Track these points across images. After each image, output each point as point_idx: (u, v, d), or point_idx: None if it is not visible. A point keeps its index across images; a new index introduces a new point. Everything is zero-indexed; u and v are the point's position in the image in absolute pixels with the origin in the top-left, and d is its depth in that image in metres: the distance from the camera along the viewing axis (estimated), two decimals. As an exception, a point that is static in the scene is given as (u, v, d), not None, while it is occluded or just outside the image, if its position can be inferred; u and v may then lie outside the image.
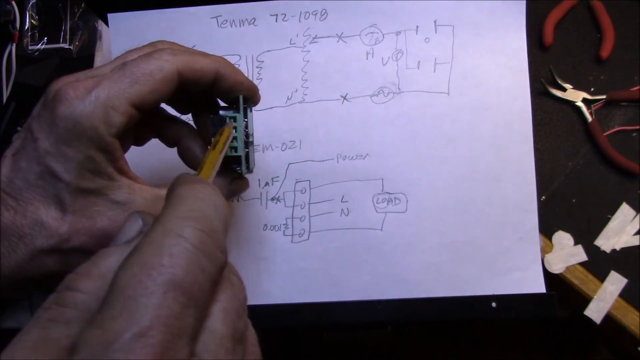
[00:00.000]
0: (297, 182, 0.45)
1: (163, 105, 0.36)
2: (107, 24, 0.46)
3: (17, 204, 0.28)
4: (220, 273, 0.19)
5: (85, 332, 0.16)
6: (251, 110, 0.34)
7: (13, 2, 0.55)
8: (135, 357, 0.15)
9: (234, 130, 0.31)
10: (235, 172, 0.34)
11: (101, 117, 0.27)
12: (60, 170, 0.28)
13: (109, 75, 0.28)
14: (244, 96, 0.33)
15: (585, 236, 0.47)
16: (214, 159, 0.27)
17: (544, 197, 0.48)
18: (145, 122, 0.33)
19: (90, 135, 0.27)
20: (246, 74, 0.45)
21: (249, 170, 0.34)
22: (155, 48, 0.30)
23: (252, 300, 0.44)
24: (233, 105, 0.33)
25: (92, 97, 0.27)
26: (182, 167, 0.36)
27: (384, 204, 0.44)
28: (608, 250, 0.47)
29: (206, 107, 0.35)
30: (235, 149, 0.32)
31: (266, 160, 0.45)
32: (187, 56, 0.30)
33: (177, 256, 0.17)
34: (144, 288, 0.16)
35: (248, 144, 0.33)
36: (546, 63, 0.50)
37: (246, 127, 0.33)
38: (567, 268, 0.46)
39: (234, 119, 0.32)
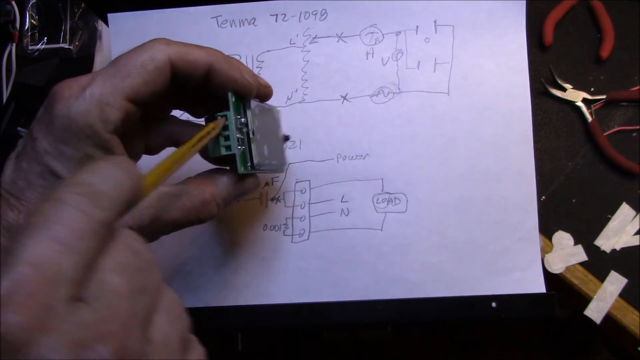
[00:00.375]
0: (297, 182, 0.45)
1: (177, 112, 0.35)
2: (107, 24, 0.46)
3: (20, 204, 0.28)
4: (107, 229, 0.20)
5: None
6: (249, 107, 0.33)
7: (13, 2, 0.55)
8: (10, 302, 0.16)
9: (227, 128, 0.31)
10: (248, 170, 0.33)
11: (97, 114, 0.27)
12: (59, 169, 0.28)
13: (103, 72, 0.28)
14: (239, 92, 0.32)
15: (585, 236, 0.47)
16: (178, 155, 0.26)
17: (544, 197, 0.48)
18: (159, 130, 0.33)
19: (87, 133, 0.27)
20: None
21: (251, 168, 0.33)
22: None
23: (253, 301, 0.44)
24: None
25: (86, 95, 0.27)
26: (189, 166, 0.36)
27: (384, 204, 0.44)
28: (608, 250, 0.47)
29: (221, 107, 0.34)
30: (229, 147, 0.31)
31: (266, 160, 0.45)
32: (181, 47, 0.30)
33: (50, 214, 0.18)
34: (21, 244, 0.17)
35: (250, 141, 0.32)
36: (546, 63, 0.50)
37: (246, 124, 0.32)
38: (567, 268, 0.46)
39: (226, 117, 0.31)
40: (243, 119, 0.33)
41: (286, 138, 0.40)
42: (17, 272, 0.16)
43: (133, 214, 0.28)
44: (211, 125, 0.30)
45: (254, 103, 0.34)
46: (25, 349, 0.16)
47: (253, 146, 0.33)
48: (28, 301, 0.16)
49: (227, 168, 0.34)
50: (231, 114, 0.31)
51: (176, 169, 0.26)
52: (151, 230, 0.29)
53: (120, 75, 0.28)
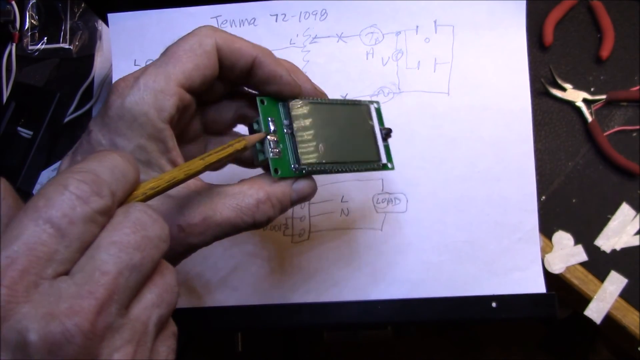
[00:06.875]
0: (297, 182, 0.45)
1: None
2: (107, 24, 0.46)
3: None
4: (105, 214, 0.21)
5: None
6: (285, 106, 0.31)
7: (13, 2, 0.55)
8: (3, 276, 0.18)
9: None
10: (299, 172, 0.31)
11: (151, 103, 0.27)
12: None
13: (154, 62, 0.28)
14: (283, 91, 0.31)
15: (585, 236, 0.47)
16: (187, 165, 0.25)
17: (544, 197, 0.48)
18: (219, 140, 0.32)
19: (140, 122, 0.27)
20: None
21: (296, 171, 0.31)
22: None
23: (253, 301, 0.44)
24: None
25: (140, 84, 0.27)
26: (239, 169, 0.35)
27: (384, 204, 0.44)
28: (608, 250, 0.47)
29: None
30: (263, 152, 0.30)
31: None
32: (227, 35, 0.30)
33: (51, 199, 0.19)
34: (20, 224, 0.19)
35: (295, 142, 0.31)
36: (546, 63, 0.50)
37: (290, 125, 0.31)
38: (567, 268, 0.46)
39: (257, 122, 0.30)
40: (286, 120, 0.31)
41: (387, 133, 0.36)
42: (12, 250, 0.18)
43: (183, 211, 0.28)
44: (237, 140, 0.28)
45: (304, 100, 0.32)
46: (8, 316, 0.18)
47: (290, 144, 0.31)
48: (17, 277, 0.18)
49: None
50: (260, 119, 0.30)
51: (183, 177, 0.25)
52: (203, 231, 0.28)
53: (171, 62, 0.28)
